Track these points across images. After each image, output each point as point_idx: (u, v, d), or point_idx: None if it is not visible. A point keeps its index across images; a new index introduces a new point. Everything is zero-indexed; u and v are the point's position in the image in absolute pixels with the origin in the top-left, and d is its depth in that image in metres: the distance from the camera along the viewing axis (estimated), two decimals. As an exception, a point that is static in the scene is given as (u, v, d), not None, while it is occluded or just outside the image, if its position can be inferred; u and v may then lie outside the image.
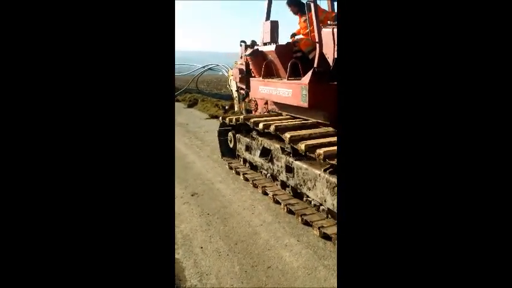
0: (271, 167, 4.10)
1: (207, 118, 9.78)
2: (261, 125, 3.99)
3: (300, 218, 3.31)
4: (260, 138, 4.35)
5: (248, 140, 4.69)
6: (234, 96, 6.90)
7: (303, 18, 4.65)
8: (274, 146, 4.00)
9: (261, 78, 4.89)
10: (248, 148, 4.71)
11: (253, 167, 4.73)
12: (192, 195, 4.06)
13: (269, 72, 4.81)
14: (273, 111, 5.00)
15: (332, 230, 2.95)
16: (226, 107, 8.80)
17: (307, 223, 3.24)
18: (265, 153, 4.24)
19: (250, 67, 5.51)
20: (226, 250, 2.87)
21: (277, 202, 3.76)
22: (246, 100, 6.30)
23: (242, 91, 6.24)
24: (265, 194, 4.02)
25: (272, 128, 3.78)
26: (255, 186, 4.24)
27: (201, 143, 6.75)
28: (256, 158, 4.48)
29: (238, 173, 4.75)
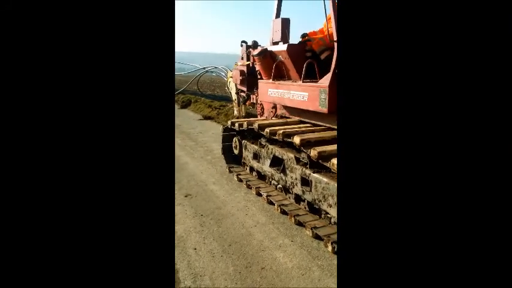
0: (284, 178, 3.66)
1: (200, 119, 9.78)
2: (296, 140, 3.22)
3: (293, 219, 3.33)
4: (270, 146, 3.90)
5: (256, 147, 4.23)
6: (234, 99, 6.65)
7: None
8: (288, 155, 3.55)
9: (270, 80, 4.50)
10: (256, 156, 4.25)
11: (261, 177, 4.32)
12: (186, 197, 4.05)
13: (279, 74, 4.43)
14: (283, 116, 4.59)
15: (324, 231, 2.97)
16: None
17: (300, 223, 3.25)
18: (277, 162, 3.82)
19: (257, 68, 5.16)
20: (220, 251, 2.87)
21: (271, 203, 3.77)
22: (247, 104, 6.04)
23: (243, 93, 5.96)
24: (259, 195, 4.02)
25: (314, 154, 2.93)
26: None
27: (195, 144, 6.74)
28: (265, 167, 4.05)
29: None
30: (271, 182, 4.07)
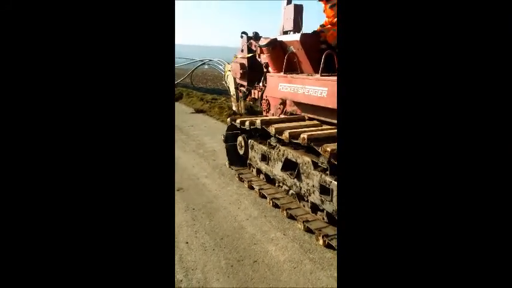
0: (298, 184, 3.24)
1: (192, 112, 9.74)
2: None
3: (285, 212, 3.34)
4: (282, 148, 3.47)
5: (265, 148, 3.80)
6: (232, 93, 6.27)
7: (330, 3, 3.93)
8: (303, 159, 3.14)
9: (282, 74, 4.05)
10: (265, 158, 3.82)
11: (270, 180, 3.93)
12: (178, 190, 4.03)
13: (289, 67, 4.02)
14: (292, 114, 4.15)
15: (316, 225, 2.99)
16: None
17: (292, 217, 3.26)
18: (290, 166, 3.40)
19: (263, 61, 4.76)
20: (212, 245, 2.87)
21: (263, 196, 3.77)
22: (248, 99, 5.67)
23: (242, 88, 5.61)
24: (251, 188, 4.02)
25: None
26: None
27: (187, 137, 6.70)
28: (275, 170, 3.62)
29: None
30: (281, 186, 3.73)
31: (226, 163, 4.65)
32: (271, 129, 3.50)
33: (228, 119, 4.39)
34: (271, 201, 3.58)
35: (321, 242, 2.83)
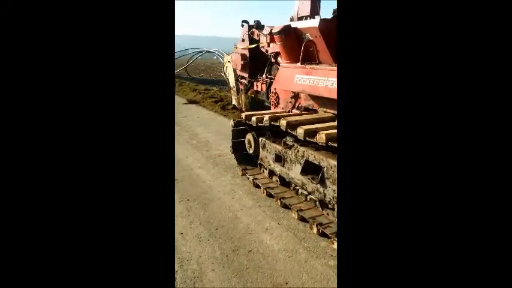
0: (322, 190, 2.86)
1: (185, 103, 9.67)
2: None
3: (279, 202, 3.35)
4: (301, 148, 3.08)
5: (279, 147, 3.42)
6: (232, 86, 5.98)
7: None
8: (329, 162, 2.73)
9: (298, 64, 3.59)
10: (280, 159, 3.44)
11: (285, 182, 3.55)
12: (172, 182, 4.02)
13: (306, 57, 3.60)
14: (308, 108, 3.73)
15: (310, 214, 3.00)
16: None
17: (286, 206, 3.28)
18: (311, 169, 3.02)
19: (271, 50, 4.37)
20: (206, 235, 2.87)
21: (257, 186, 3.78)
22: (249, 92, 5.36)
23: (244, 80, 5.29)
24: (245, 177, 4.02)
25: None
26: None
27: (180, 128, 6.66)
28: (293, 173, 3.25)
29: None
30: (298, 190, 3.37)
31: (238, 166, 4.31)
32: (320, 137, 2.72)
33: (254, 118, 3.61)
34: (265, 191, 3.59)
35: (315, 230, 2.85)
